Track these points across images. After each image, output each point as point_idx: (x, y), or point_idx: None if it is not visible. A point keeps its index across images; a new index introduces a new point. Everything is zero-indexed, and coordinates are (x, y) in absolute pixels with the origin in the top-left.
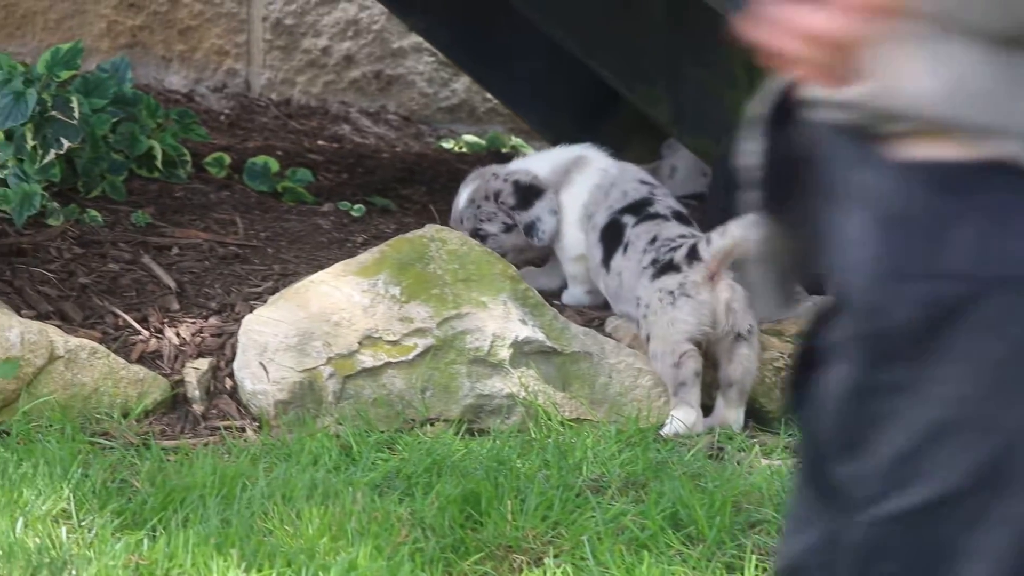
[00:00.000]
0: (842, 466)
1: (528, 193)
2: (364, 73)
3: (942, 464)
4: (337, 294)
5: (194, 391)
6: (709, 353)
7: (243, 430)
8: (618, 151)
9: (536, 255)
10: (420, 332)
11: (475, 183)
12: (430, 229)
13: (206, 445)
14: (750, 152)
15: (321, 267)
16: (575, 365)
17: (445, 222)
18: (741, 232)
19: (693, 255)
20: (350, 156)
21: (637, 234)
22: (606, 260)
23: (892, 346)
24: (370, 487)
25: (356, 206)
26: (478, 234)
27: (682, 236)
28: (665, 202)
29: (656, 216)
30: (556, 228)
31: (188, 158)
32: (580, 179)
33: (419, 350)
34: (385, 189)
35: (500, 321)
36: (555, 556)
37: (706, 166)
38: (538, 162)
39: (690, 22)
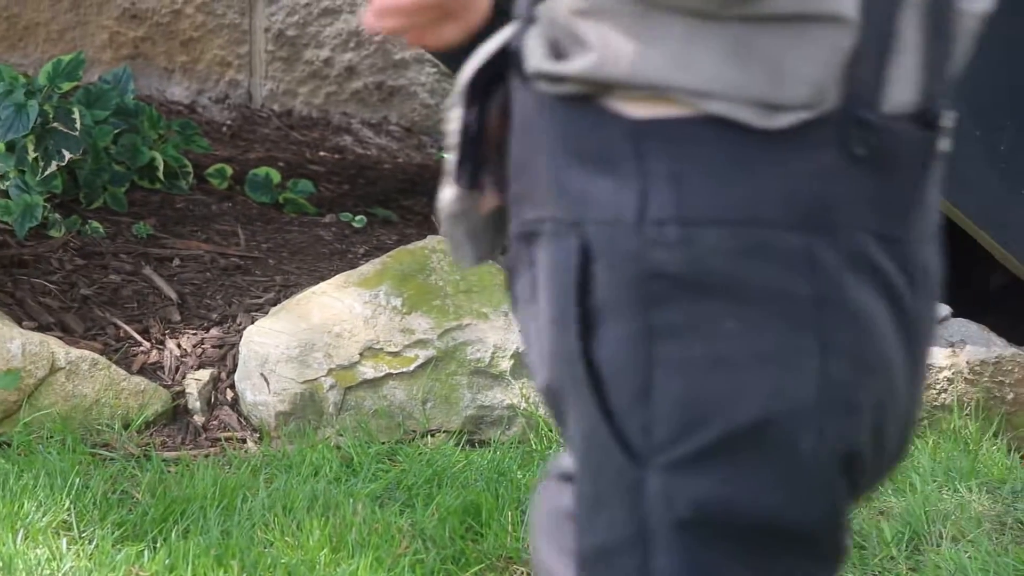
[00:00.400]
0: (632, 417)
1: None
2: (366, 84)
3: (726, 398)
4: (338, 305)
5: (195, 402)
6: None
7: (244, 441)
8: None
9: None
10: (421, 343)
11: None
12: (431, 240)
13: (207, 456)
14: (454, 118)
15: (322, 278)
16: None
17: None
18: None
19: None
20: (352, 167)
21: None
22: None
23: (660, 290)
24: (371, 498)
25: (358, 217)
26: None
27: None
28: None
29: None
30: None
31: (190, 169)
32: None
33: (420, 361)
34: (387, 200)
35: (501, 332)
36: None
37: None
38: None
39: None
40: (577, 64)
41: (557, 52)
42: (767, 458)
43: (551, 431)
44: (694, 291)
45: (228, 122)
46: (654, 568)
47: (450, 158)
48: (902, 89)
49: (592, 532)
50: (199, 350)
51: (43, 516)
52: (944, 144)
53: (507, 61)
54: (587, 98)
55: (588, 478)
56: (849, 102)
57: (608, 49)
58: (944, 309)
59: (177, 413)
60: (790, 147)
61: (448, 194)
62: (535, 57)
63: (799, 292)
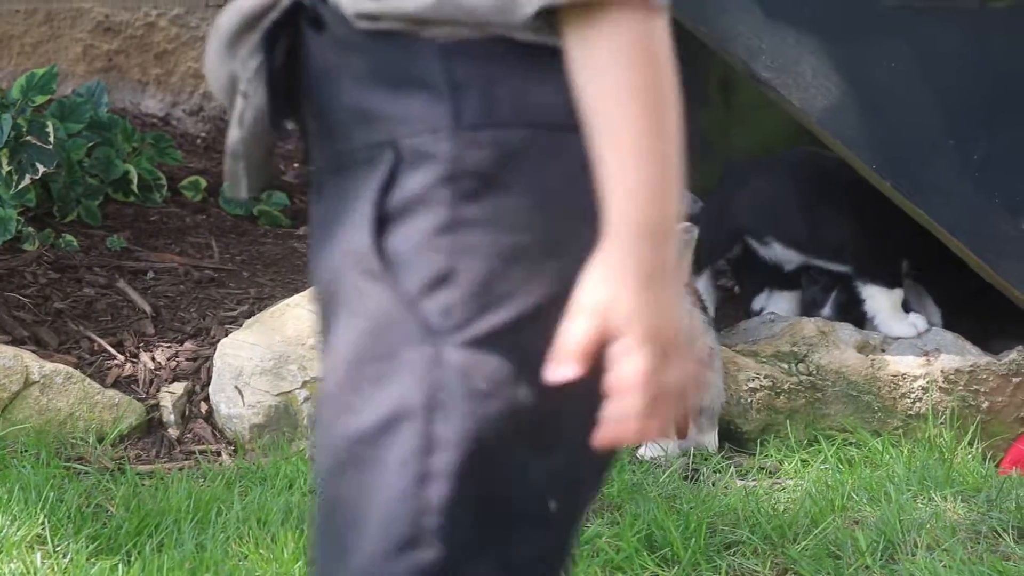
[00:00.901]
0: (432, 300)
1: None
2: None
3: (520, 284)
4: (313, 317)
5: (169, 415)
6: None
7: (218, 454)
8: None
9: None
10: None
11: None
12: None
13: (181, 470)
14: (249, 66)
15: (297, 290)
16: None
17: None
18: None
19: None
20: None
21: None
22: None
23: (470, 186)
24: None
25: None
26: None
27: None
28: None
29: None
30: None
31: (164, 182)
32: None
33: None
34: None
35: None
36: None
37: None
38: None
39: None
40: (411, 3)
41: None
42: (553, 333)
43: None
44: (501, 187)
45: (202, 134)
46: (437, 434)
47: (241, 103)
48: None
49: (377, 406)
50: (173, 363)
51: (17, 530)
52: None
53: (294, 15)
54: (400, 33)
55: (374, 359)
56: None
57: None
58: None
59: (152, 426)
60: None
61: (235, 134)
62: (354, 1)
63: (585, 189)
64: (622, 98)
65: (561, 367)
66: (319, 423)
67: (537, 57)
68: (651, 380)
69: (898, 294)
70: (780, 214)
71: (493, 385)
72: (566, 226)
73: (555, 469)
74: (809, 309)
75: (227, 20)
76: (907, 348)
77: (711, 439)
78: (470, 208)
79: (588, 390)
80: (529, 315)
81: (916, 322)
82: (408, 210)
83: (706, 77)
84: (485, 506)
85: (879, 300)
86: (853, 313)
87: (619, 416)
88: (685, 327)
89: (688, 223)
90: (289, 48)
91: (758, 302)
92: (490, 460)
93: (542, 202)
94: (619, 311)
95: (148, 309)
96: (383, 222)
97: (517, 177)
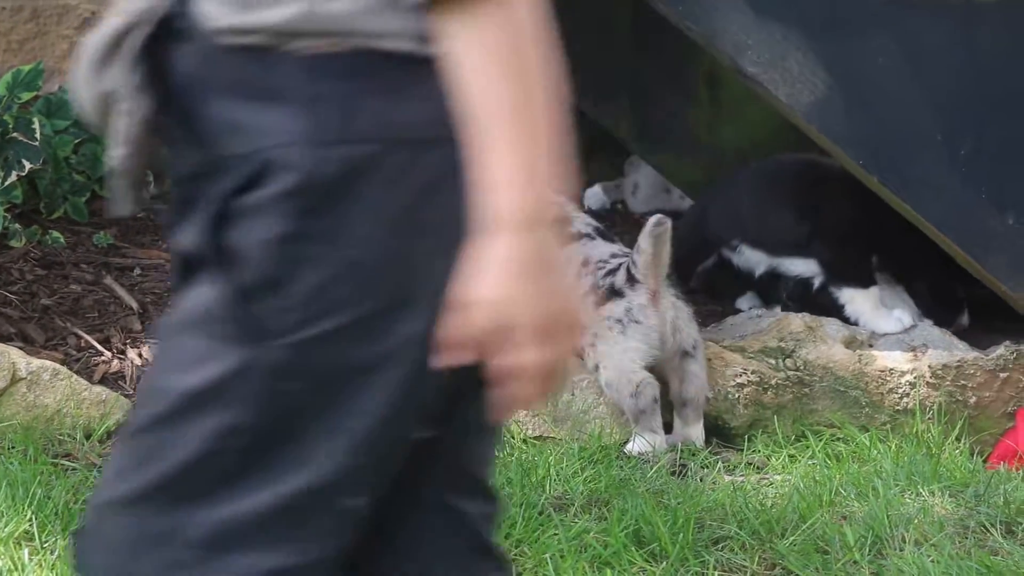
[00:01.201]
0: (262, 302)
1: None
2: None
3: (352, 294)
4: None
5: None
6: (657, 372)
7: None
8: (580, 169)
9: None
10: None
11: None
12: None
13: None
14: (128, 82)
15: None
16: None
17: None
18: (649, 235)
19: (632, 278)
20: None
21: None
22: None
23: (316, 200)
24: None
25: None
26: None
27: (614, 255)
28: (583, 219)
29: (579, 235)
30: None
31: (151, 178)
32: None
33: None
34: None
35: None
36: (519, 574)
37: (669, 183)
38: None
39: (655, 40)
40: (276, 15)
41: (245, 6)
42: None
43: (513, 438)
44: (347, 202)
45: None
46: (236, 422)
47: (124, 120)
48: None
49: (192, 378)
50: None
51: (5, 527)
52: None
53: (160, 29)
54: (263, 47)
55: (191, 352)
56: None
57: (315, 4)
58: (905, 318)
59: None
60: (431, 71)
61: (118, 152)
62: (219, 16)
63: (445, 203)
64: (492, 89)
65: (446, 356)
66: (151, 367)
67: (402, 70)
68: (535, 367)
69: (874, 292)
70: (746, 217)
71: (298, 389)
72: (415, 242)
73: (346, 466)
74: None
75: (94, 42)
76: (894, 343)
77: (698, 432)
78: (312, 222)
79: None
80: (350, 328)
81: (902, 317)
82: (251, 214)
83: (694, 73)
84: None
85: (858, 302)
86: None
87: (506, 403)
88: (572, 309)
89: (661, 215)
90: (156, 62)
91: (742, 303)
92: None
93: (390, 218)
94: (501, 302)
95: (135, 305)
96: (226, 219)
97: (367, 193)
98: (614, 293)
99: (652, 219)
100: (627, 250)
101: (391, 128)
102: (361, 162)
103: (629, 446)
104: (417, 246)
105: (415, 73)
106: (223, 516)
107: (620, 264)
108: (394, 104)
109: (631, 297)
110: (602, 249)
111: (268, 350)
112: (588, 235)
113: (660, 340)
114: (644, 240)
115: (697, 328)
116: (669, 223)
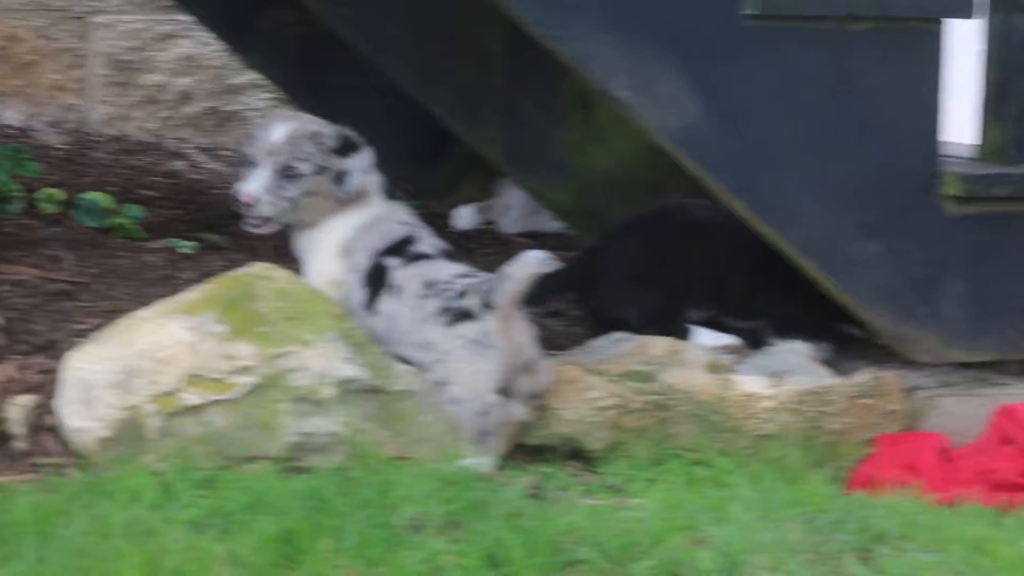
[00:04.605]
0: None
1: (348, 144)
2: (201, 109)
3: None
4: (162, 331)
5: (17, 427)
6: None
7: (65, 467)
8: (451, 189)
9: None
10: (244, 370)
11: (293, 123)
12: (258, 267)
13: (27, 482)
14: None
15: (149, 304)
16: (399, 403)
17: (276, 260)
18: (527, 272)
19: (489, 302)
20: (184, 192)
21: (408, 277)
22: (370, 303)
23: None
24: (188, 525)
25: (187, 243)
26: (288, 172)
27: (459, 276)
28: (429, 240)
29: (422, 256)
30: (361, 188)
31: (21, 194)
32: (354, 213)
33: (243, 389)
34: (218, 226)
35: (325, 360)
36: None
37: (539, 205)
38: None
39: (527, 62)
40: None
41: None
42: None
43: (372, 458)
44: None
45: (61, 146)
46: None
47: None
48: None
49: None
50: (23, 375)
51: None
52: None
53: None
54: None
55: None
56: None
57: None
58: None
59: None
60: None
61: (538, 269)
62: None
63: None
64: None
65: None
66: None
67: None
68: None
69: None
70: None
71: None
72: None
73: None
74: None
75: None
76: (756, 369)
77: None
78: None
79: None
80: None
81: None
82: None
83: (566, 97)
84: None
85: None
86: None
87: None
88: None
89: (544, 255)
90: None
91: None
92: None
93: None
94: None
95: (1, 321)
96: None
97: None
98: (466, 315)
99: (534, 257)
100: (472, 270)
101: None
102: None
103: (466, 461)
104: None
105: None
106: None
107: (471, 285)
108: None
109: (487, 321)
110: (446, 270)
111: None
112: (430, 255)
113: (512, 360)
114: (519, 272)
115: (538, 348)
116: (551, 265)
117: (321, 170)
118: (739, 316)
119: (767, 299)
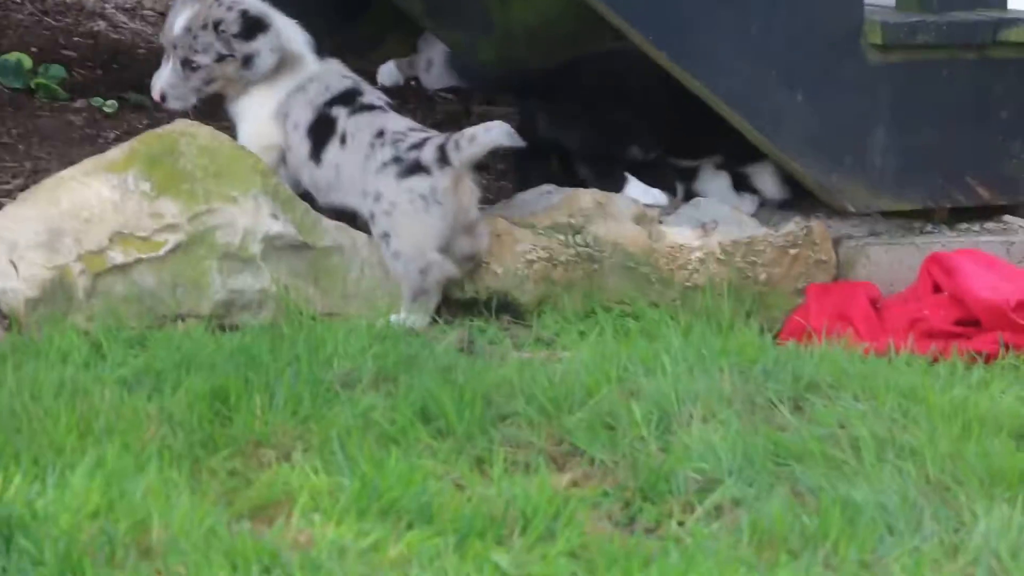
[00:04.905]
0: None
1: (254, 25)
2: None
3: None
4: (87, 191)
5: None
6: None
7: None
8: (374, 45)
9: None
10: (171, 228)
11: (193, 7)
12: (180, 124)
13: None
14: None
15: (73, 164)
16: (327, 259)
17: (199, 117)
18: (490, 138)
19: (443, 159)
20: (105, 52)
21: (357, 125)
22: (315, 153)
23: None
24: (119, 384)
25: (109, 102)
26: (189, 64)
27: (412, 130)
28: (375, 93)
29: (372, 107)
30: (273, 66)
31: None
32: (284, 78)
33: (170, 246)
34: (140, 85)
35: (251, 216)
36: (304, 451)
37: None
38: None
39: None
40: None
41: None
42: None
43: (301, 315)
44: None
45: None
46: None
47: None
48: None
49: None
50: None
51: None
52: None
53: None
54: None
55: None
56: None
57: None
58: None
59: None
60: None
61: (500, 139)
62: None
63: None
64: None
65: None
66: None
67: None
68: None
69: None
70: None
71: None
72: None
73: None
74: None
75: None
76: (684, 220)
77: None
78: None
79: None
80: None
81: (655, 194)
82: None
83: None
84: None
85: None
86: None
87: None
88: None
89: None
90: None
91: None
92: None
93: None
94: None
95: None
96: None
97: None
98: (419, 168)
99: (505, 128)
100: (422, 127)
101: None
102: None
103: (396, 317)
104: None
105: None
106: None
107: (424, 140)
108: None
109: (438, 177)
110: (398, 123)
111: None
112: (380, 107)
113: (455, 220)
114: (484, 137)
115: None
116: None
117: (222, 58)
118: (683, 155)
119: (709, 139)
